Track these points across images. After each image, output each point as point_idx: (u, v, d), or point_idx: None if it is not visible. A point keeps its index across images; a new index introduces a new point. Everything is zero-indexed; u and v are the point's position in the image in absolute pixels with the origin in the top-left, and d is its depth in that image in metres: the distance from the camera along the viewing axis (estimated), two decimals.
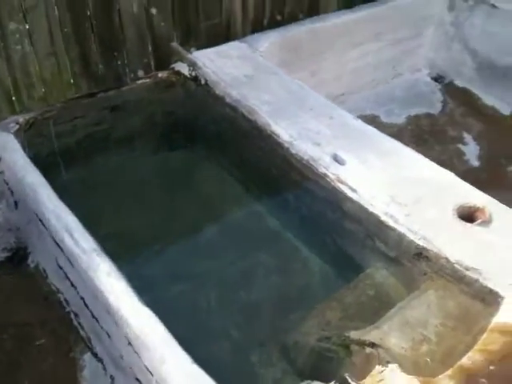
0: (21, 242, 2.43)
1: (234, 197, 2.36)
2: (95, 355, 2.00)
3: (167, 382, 1.40)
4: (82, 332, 2.07)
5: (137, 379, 1.72)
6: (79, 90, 2.55)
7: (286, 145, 2.10)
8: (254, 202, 2.31)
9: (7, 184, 2.23)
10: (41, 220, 2.00)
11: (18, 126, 2.22)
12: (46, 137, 2.30)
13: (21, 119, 2.26)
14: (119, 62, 2.60)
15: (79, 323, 2.09)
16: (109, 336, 1.82)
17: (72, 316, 2.13)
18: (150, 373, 1.54)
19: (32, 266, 2.35)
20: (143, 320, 1.49)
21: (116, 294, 1.56)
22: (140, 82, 2.54)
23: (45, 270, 2.29)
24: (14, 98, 2.39)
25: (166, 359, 1.39)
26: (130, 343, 1.61)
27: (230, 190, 2.39)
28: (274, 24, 3.08)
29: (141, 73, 2.72)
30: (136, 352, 1.58)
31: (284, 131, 2.15)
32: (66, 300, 2.17)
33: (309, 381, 1.37)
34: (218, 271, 2.05)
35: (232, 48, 2.76)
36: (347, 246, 1.93)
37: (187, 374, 1.36)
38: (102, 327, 1.86)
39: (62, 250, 1.89)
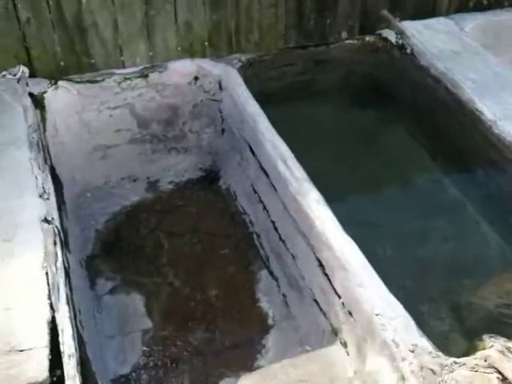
0: (215, 165, 2.74)
1: (419, 162, 2.46)
2: (271, 273, 2.25)
3: (360, 304, 1.57)
4: (261, 251, 2.33)
5: (314, 300, 1.93)
6: (288, 42, 2.77)
7: (489, 123, 2.14)
8: (439, 171, 2.40)
9: (221, 112, 2.53)
10: (251, 147, 2.26)
11: (240, 64, 2.49)
12: (260, 77, 2.55)
13: (243, 58, 2.53)
14: (328, 21, 2.77)
15: (260, 243, 2.35)
16: (293, 258, 2.04)
17: (254, 236, 2.39)
18: (338, 295, 1.72)
19: (223, 187, 2.66)
20: (345, 245, 1.67)
21: (322, 219, 1.75)
22: (348, 42, 2.70)
23: (235, 193, 2.58)
24: (233, 40, 2.67)
25: (364, 284, 1.56)
26: (321, 265, 1.81)
27: (417, 155, 2.49)
28: (479, 7, 3.06)
29: (344, 34, 2.87)
30: (327, 274, 1.78)
31: (488, 110, 2.19)
32: (250, 221, 2.44)
33: (493, 334, 1.47)
34: (396, 225, 2.18)
35: (439, 23, 2.81)
36: None
37: (383, 300, 1.52)
38: (287, 249, 2.08)
39: (267, 175, 2.13)
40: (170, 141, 2.62)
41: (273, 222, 2.20)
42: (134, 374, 1.87)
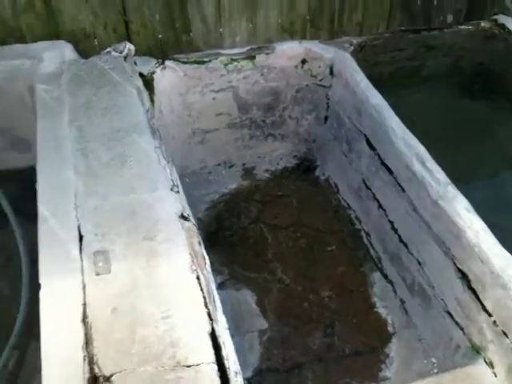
0: (310, 153, 2.60)
1: None
2: (385, 276, 2.12)
3: None
4: (372, 251, 2.20)
5: (447, 312, 1.79)
6: (391, 24, 2.58)
7: None
8: None
9: (328, 99, 2.36)
10: (368, 140, 2.10)
11: (352, 48, 2.31)
12: (368, 62, 2.37)
13: (354, 41, 2.35)
14: (434, 3, 2.57)
15: (370, 242, 2.22)
16: (419, 263, 1.90)
17: (362, 233, 2.26)
18: (488, 313, 1.58)
19: (322, 178, 2.52)
20: (506, 262, 1.52)
21: (475, 230, 1.60)
22: (462, 27, 2.51)
23: (336, 185, 2.44)
24: (336, 19, 2.49)
25: None
26: (464, 277, 1.67)
27: None
28: None
29: (450, 18, 2.66)
30: (473, 288, 1.63)
31: None
32: (357, 217, 2.31)
33: None
34: None
35: None
36: None
37: None
38: (411, 253, 1.95)
39: (391, 173, 1.98)
40: (268, 127, 2.48)
41: (391, 223, 2.06)
42: (255, 378, 1.77)
